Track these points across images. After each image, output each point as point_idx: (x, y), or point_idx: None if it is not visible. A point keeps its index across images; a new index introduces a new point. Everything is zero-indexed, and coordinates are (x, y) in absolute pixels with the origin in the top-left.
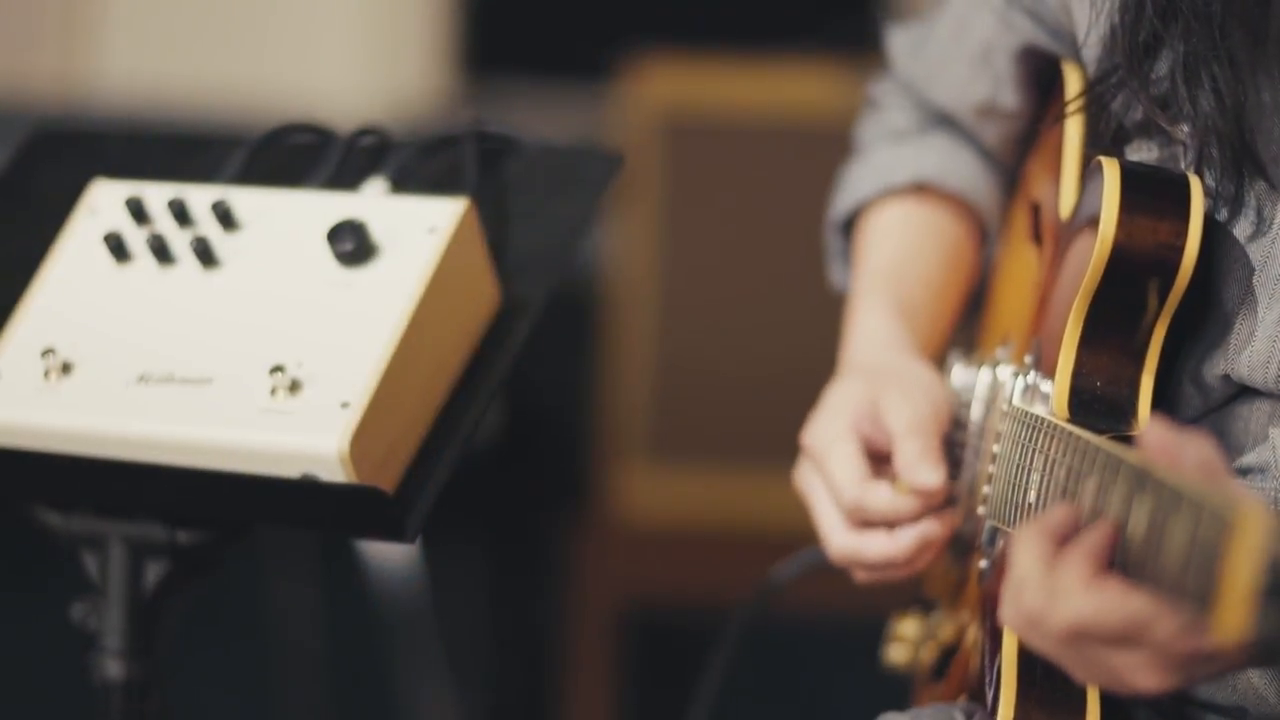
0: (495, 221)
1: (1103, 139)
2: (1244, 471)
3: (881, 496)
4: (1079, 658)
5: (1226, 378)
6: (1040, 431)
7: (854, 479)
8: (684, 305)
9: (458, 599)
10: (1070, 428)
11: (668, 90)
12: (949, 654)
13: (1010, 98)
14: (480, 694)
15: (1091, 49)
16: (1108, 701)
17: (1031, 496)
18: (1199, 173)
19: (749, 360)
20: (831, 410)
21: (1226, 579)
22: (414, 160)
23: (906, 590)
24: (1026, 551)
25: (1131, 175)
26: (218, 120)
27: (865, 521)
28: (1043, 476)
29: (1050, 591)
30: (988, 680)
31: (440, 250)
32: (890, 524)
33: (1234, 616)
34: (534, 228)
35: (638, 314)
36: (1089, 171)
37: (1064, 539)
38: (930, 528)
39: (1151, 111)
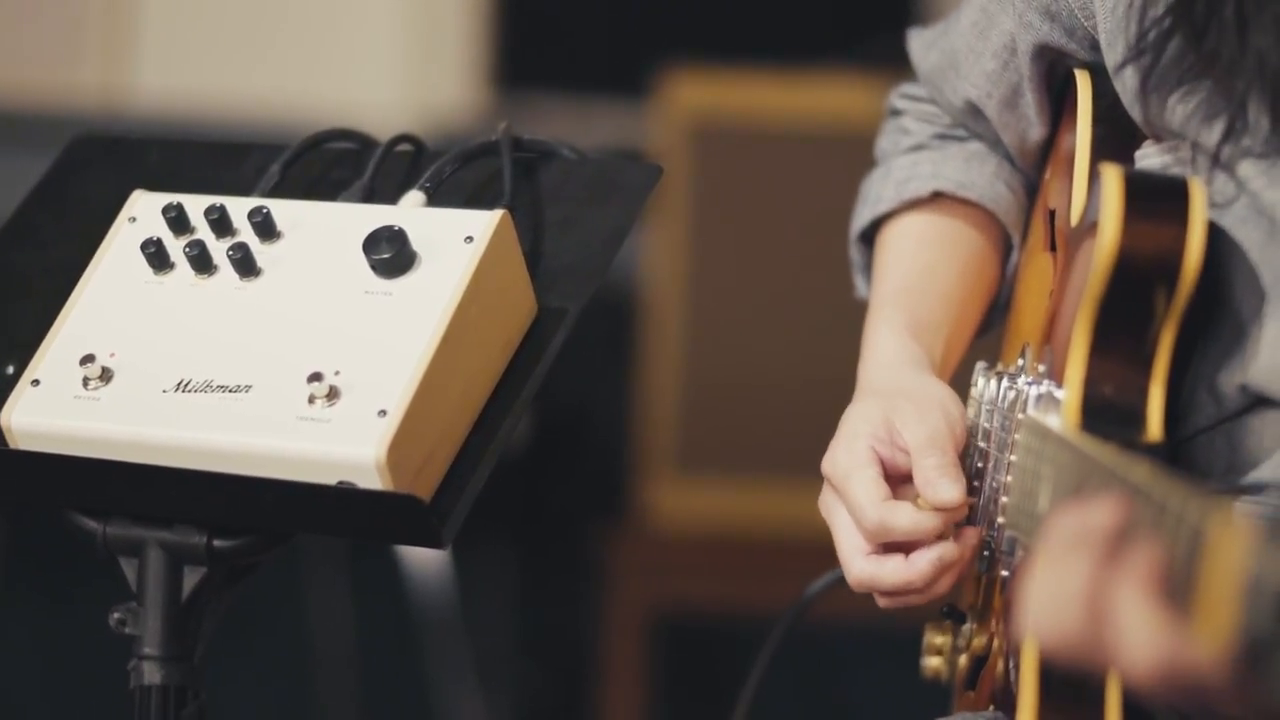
0: (531, 231)
1: (1112, 144)
2: (1259, 487)
3: (904, 516)
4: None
5: (1243, 388)
6: (1050, 440)
7: (874, 501)
8: (714, 317)
9: (490, 607)
10: (1073, 436)
11: (700, 106)
12: (980, 663)
13: (1032, 99)
14: (511, 702)
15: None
16: (1129, 707)
17: (1043, 506)
18: (1239, 135)
19: (779, 371)
20: (848, 436)
21: (1202, 591)
22: (451, 169)
23: (943, 601)
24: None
25: (1132, 181)
26: (254, 136)
27: (889, 543)
28: (1053, 486)
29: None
30: (1011, 688)
31: (477, 260)
32: (914, 543)
33: (1214, 630)
34: (571, 238)
35: (668, 325)
36: (1093, 178)
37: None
38: (947, 551)
39: (1198, 57)
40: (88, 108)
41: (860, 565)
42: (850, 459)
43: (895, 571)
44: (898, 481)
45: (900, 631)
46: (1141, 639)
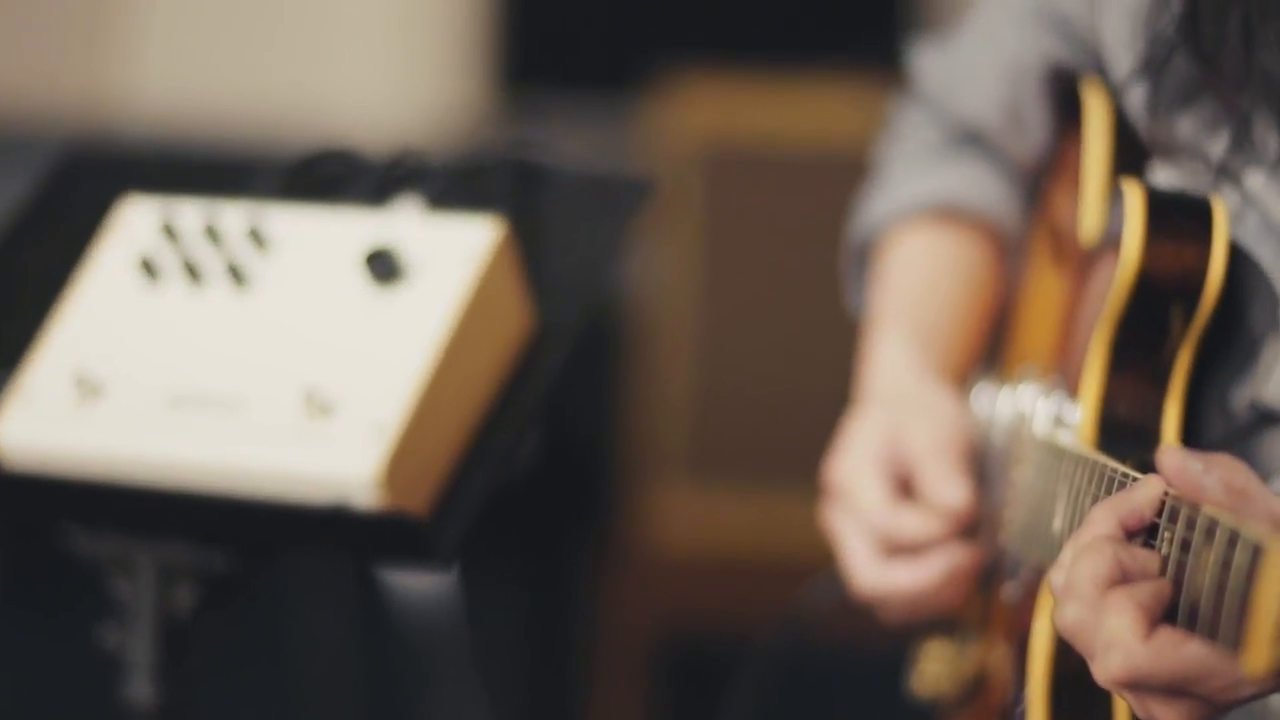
0: (528, 246)
1: (1119, 159)
2: None
3: (912, 519)
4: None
5: (1253, 405)
6: (1065, 459)
7: (882, 504)
8: (722, 329)
9: (490, 626)
10: (1095, 455)
11: (705, 107)
12: (977, 680)
13: (1035, 114)
14: None
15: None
16: None
17: (1057, 525)
18: (1245, 147)
19: (787, 386)
20: (852, 444)
21: (1257, 608)
22: (451, 180)
23: (933, 617)
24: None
25: (1154, 199)
26: (250, 134)
27: (895, 549)
28: (1068, 505)
29: (1101, 638)
30: (1015, 706)
31: (476, 273)
32: (920, 549)
33: (1264, 648)
34: (566, 253)
35: (676, 338)
36: (1113, 195)
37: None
38: (957, 555)
39: (1204, 74)
40: (70, 115)
41: (869, 573)
42: (855, 465)
43: (904, 578)
44: (902, 490)
45: (882, 651)
46: (1118, 645)
